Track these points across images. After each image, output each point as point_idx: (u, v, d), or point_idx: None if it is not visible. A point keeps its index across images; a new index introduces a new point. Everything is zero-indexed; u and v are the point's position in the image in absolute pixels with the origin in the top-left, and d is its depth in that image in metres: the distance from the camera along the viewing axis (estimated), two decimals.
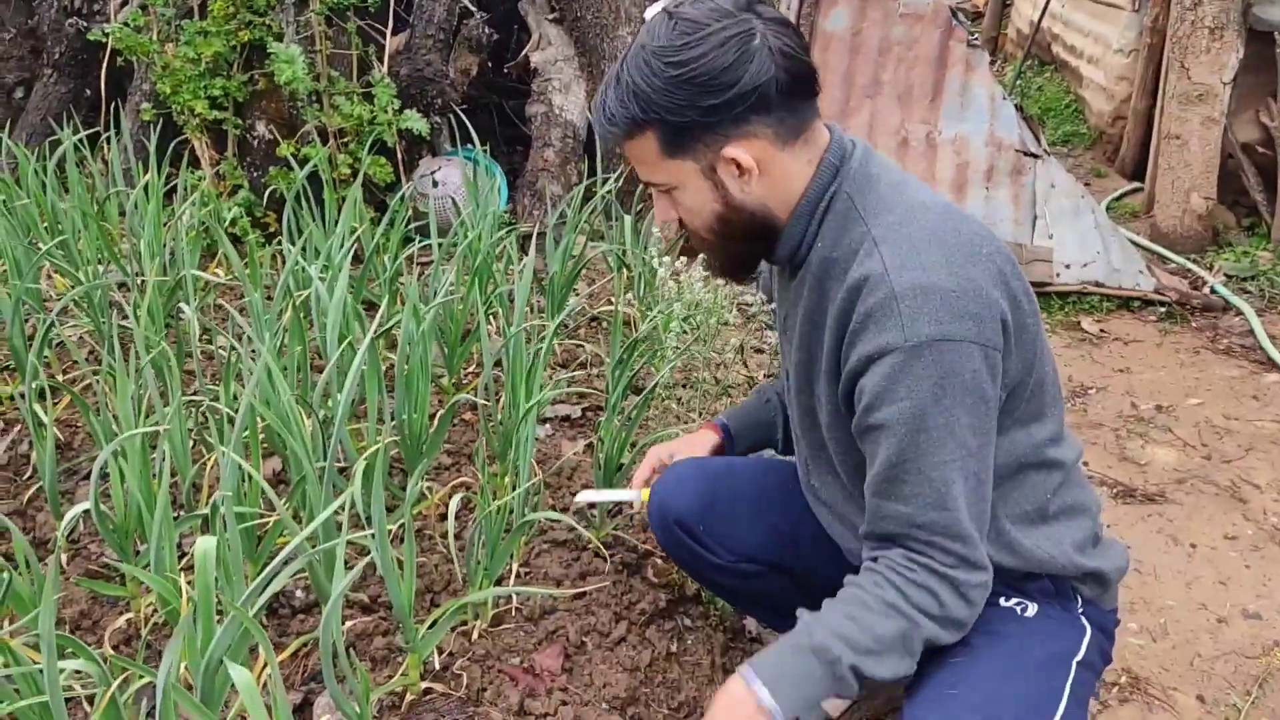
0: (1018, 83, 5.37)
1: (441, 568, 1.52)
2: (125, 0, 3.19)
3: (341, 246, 2.03)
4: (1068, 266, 3.17)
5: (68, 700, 1.15)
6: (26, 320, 1.94)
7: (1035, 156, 3.22)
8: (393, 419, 1.64)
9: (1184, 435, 2.47)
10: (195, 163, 2.84)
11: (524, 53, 3.42)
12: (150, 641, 1.35)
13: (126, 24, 2.81)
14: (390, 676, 1.31)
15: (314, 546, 1.27)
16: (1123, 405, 2.63)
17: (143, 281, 2.00)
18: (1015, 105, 3.29)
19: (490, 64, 3.54)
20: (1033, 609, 1.11)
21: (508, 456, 1.66)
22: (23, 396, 1.59)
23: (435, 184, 2.95)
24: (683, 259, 2.34)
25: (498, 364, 1.77)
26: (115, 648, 1.36)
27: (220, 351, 1.95)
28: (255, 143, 2.84)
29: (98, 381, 1.57)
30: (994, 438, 1.00)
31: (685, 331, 2.10)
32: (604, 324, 2.46)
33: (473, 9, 3.22)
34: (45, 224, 2.40)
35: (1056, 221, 3.18)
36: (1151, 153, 3.84)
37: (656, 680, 1.41)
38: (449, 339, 2.03)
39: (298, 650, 1.36)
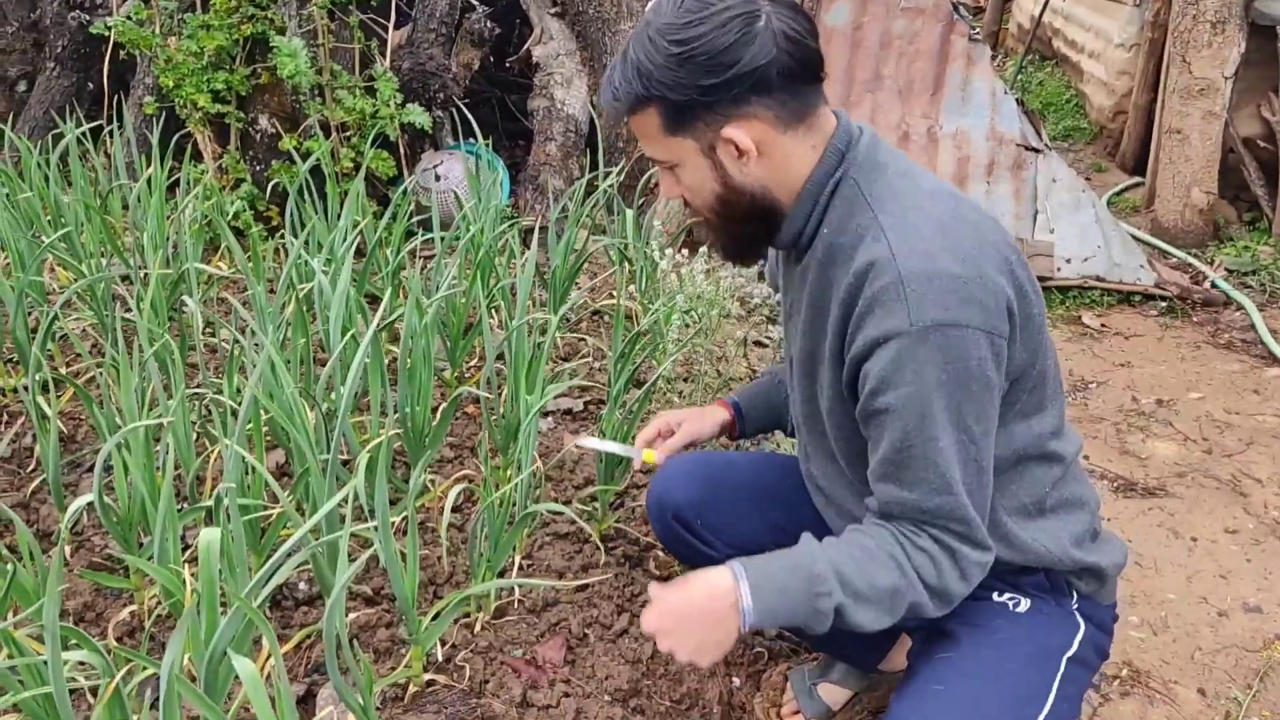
0: (1019, 77, 5.36)
1: (444, 560, 1.53)
2: None
3: (344, 240, 2.03)
4: (1068, 261, 3.17)
5: (71, 692, 1.15)
6: (30, 313, 1.95)
7: (1036, 151, 3.22)
8: (395, 412, 1.64)
9: (1185, 429, 2.47)
10: (198, 156, 2.84)
11: (526, 47, 3.42)
12: (154, 633, 1.35)
13: (129, 17, 2.81)
14: (393, 668, 1.32)
15: (317, 539, 1.27)
16: (1123, 399, 2.63)
17: (146, 274, 2.00)
18: (1016, 100, 3.29)
19: (492, 58, 3.54)
20: (1025, 604, 1.11)
21: (510, 449, 1.66)
22: (26, 389, 1.59)
23: (437, 178, 2.95)
24: (684, 251, 2.34)
25: (500, 357, 1.77)
26: (119, 639, 1.37)
27: (223, 344, 1.95)
28: (258, 136, 2.84)
29: (101, 374, 1.57)
30: (995, 425, 1.00)
31: (686, 325, 2.10)
32: (606, 318, 2.46)
33: (475, 3, 3.22)
34: (48, 217, 2.40)
35: (1057, 216, 3.18)
36: (1152, 147, 3.84)
37: (658, 672, 1.41)
38: (451, 332, 2.03)
39: (301, 642, 1.36)
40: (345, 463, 1.64)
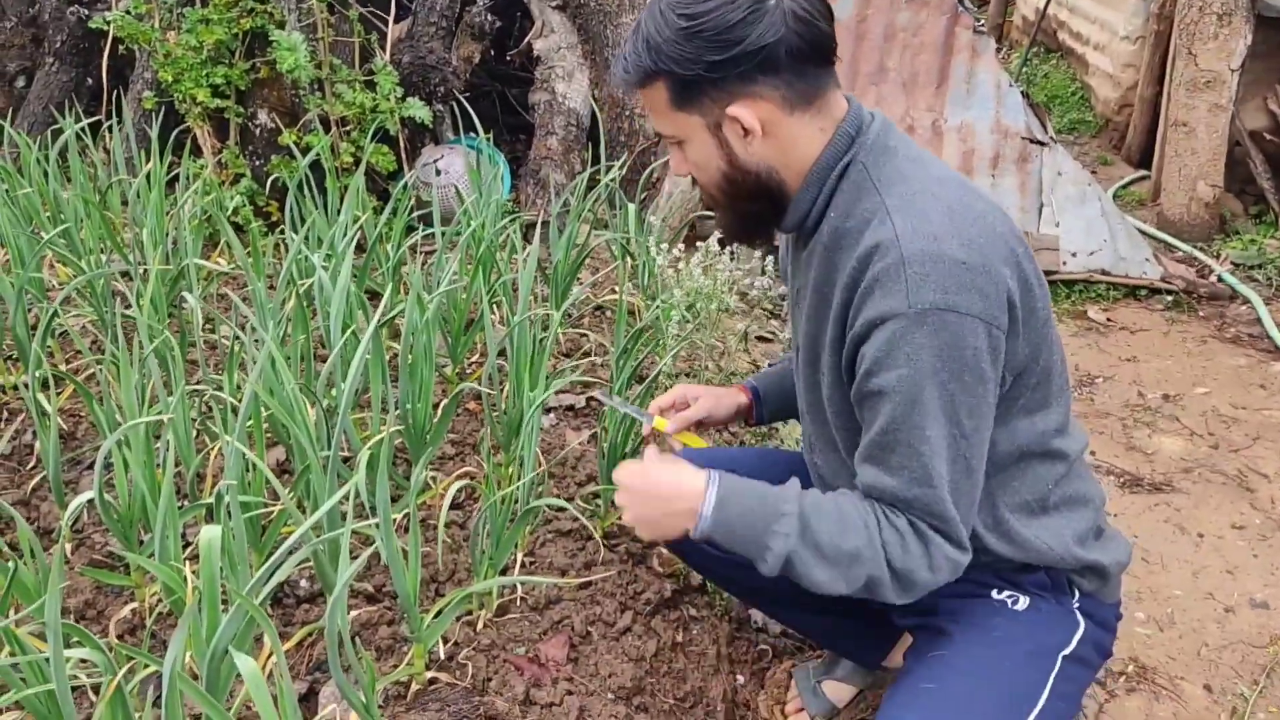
0: (1024, 70, 5.33)
1: (446, 557, 1.52)
2: None
3: (344, 235, 2.02)
4: (1074, 255, 3.15)
5: (73, 689, 1.15)
6: (30, 310, 1.94)
7: (1042, 144, 3.20)
8: (396, 408, 1.63)
9: (1191, 424, 2.45)
10: (197, 151, 2.83)
11: (527, 40, 3.40)
12: (155, 631, 1.35)
13: (128, 12, 2.80)
14: (395, 666, 1.31)
15: (319, 536, 1.26)
16: (1129, 394, 2.62)
17: (145, 270, 1.99)
18: (1021, 92, 3.27)
19: (493, 51, 3.53)
20: (1024, 602, 1.10)
21: (512, 446, 1.65)
22: (26, 386, 1.58)
23: (438, 172, 2.94)
24: (681, 246, 2.33)
25: (501, 353, 1.76)
26: (120, 637, 1.36)
27: (223, 341, 1.94)
28: (257, 131, 2.83)
29: (101, 371, 1.57)
30: (989, 424, 0.98)
31: (686, 320, 2.09)
32: (608, 313, 2.45)
33: None
34: (48, 213, 2.39)
35: (1063, 209, 3.16)
36: (1158, 140, 3.82)
37: (662, 670, 1.41)
38: (452, 328, 2.02)
39: (303, 640, 1.36)
40: (346, 460, 1.63)
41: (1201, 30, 3.45)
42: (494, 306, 2.19)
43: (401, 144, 2.86)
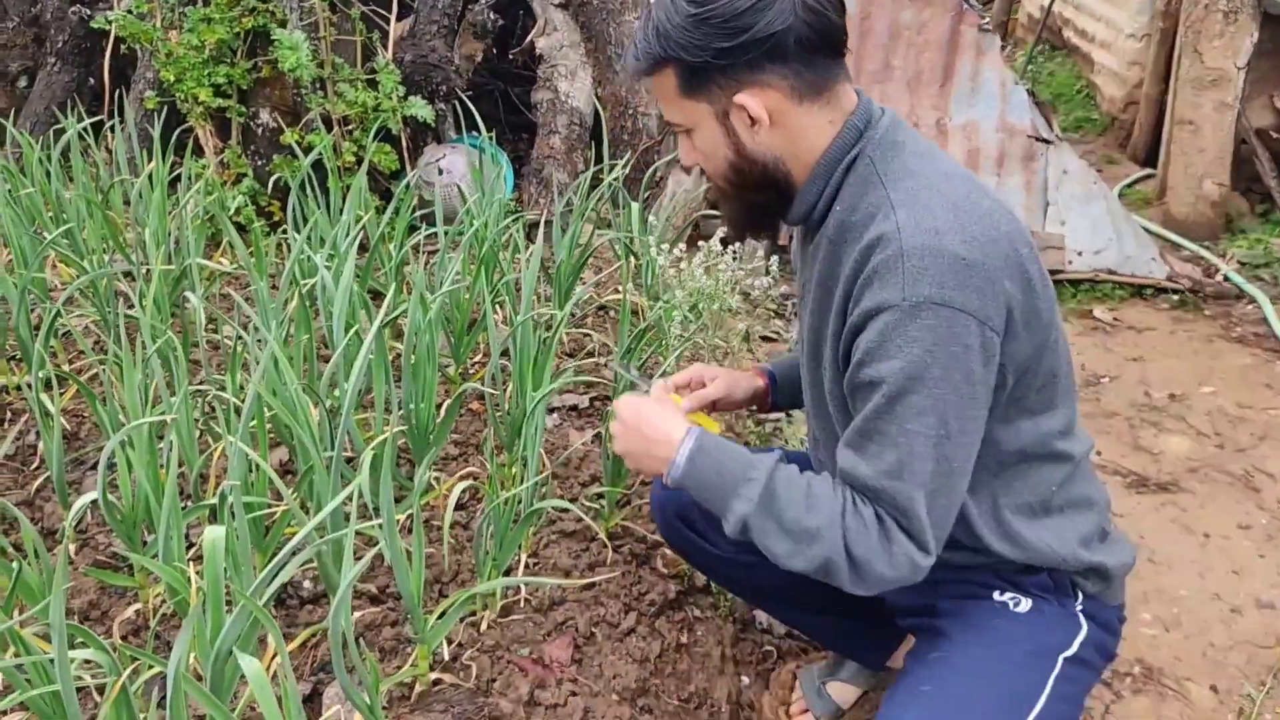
0: (1029, 68, 5.32)
1: (450, 558, 1.52)
2: None
3: (347, 235, 2.02)
4: (1080, 254, 3.14)
5: (78, 690, 1.14)
6: (32, 310, 1.94)
7: (1047, 142, 3.19)
8: (400, 408, 1.63)
9: (1197, 424, 2.44)
10: (199, 151, 2.82)
11: (529, 38, 3.39)
12: (159, 631, 1.34)
13: (130, 11, 2.79)
14: (399, 667, 1.31)
15: (322, 537, 1.26)
16: (1136, 394, 2.61)
17: (148, 270, 1.99)
18: (1027, 90, 3.26)
19: (495, 50, 3.52)
20: (1026, 604, 1.10)
21: (515, 446, 1.64)
22: (29, 386, 1.58)
23: (440, 172, 2.93)
24: (683, 246, 2.32)
25: (505, 353, 1.76)
26: (124, 637, 1.36)
27: (226, 341, 1.94)
28: (259, 130, 2.83)
29: (104, 371, 1.56)
30: (977, 428, 0.96)
31: (689, 320, 2.08)
32: (611, 313, 2.45)
33: None
34: (50, 213, 2.39)
35: (1068, 208, 3.15)
36: (1164, 139, 3.80)
37: (666, 671, 1.40)
38: (455, 328, 2.02)
39: (306, 641, 1.36)
40: (349, 460, 1.63)
41: (1207, 28, 3.43)
42: (497, 306, 2.18)
43: (404, 143, 2.85)
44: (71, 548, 1.51)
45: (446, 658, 1.33)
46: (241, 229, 2.59)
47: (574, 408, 2.04)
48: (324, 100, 2.70)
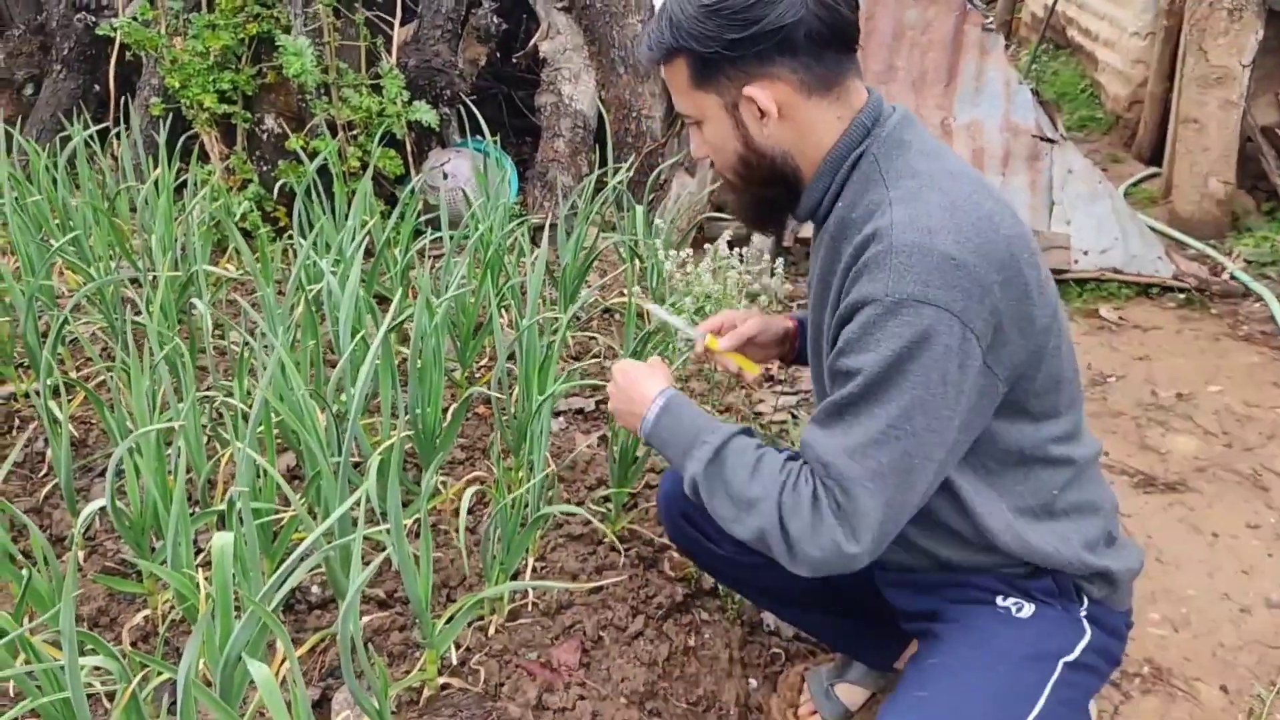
0: (1033, 67, 5.31)
1: (457, 562, 1.52)
2: None
3: (353, 240, 2.02)
4: (1085, 253, 3.13)
5: (88, 697, 1.15)
6: (40, 317, 1.95)
7: (1052, 142, 3.18)
8: (406, 413, 1.63)
9: (1204, 423, 2.43)
10: (205, 157, 2.83)
11: (532, 42, 3.40)
12: (168, 638, 1.35)
13: (134, 18, 2.80)
14: (407, 672, 1.31)
15: (330, 542, 1.26)
16: (1142, 393, 2.60)
17: (154, 277, 1.99)
18: (1031, 90, 3.25)
19: (499, 54, 3.52)
20: (1029, 609, 1.09)
21: (522, 450, 1.65)
22: (37, 394, 1.59)
23: (445, 176, 2.94)
24: (687, 249, 2.32)
25: (510, 357, 1.76)
26: (133, 644, 1.36)
27: (233, 347, 1.95)
28: (264, 136, 2.84)
29: (111, 378, 1.57)
30: (946, 430, 0.95)
31: (695, 323, 2.08)
32: (617, 316, 2.45)
33: None
34: (57, 220, 2.40)
35: (1074, 207, 3.14)
36: (1169, 137, 3.79)
37: (674, 674, 1.40)
38: (461, 332, 2.02)
39: (315, 646, 1.36)
40: (356, 465, 1.63)
41: (1212, 25, 3.42)
42: (502, 310, 2.18)
43: (408, 148, 2.86)
44: (80, 555, 1.52)
45: (455, 662, 1.33)
46: (247, 235, 2.60)
47: (580, 411, 2.04)
48: (329, 105, 2.71)
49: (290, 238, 2.47)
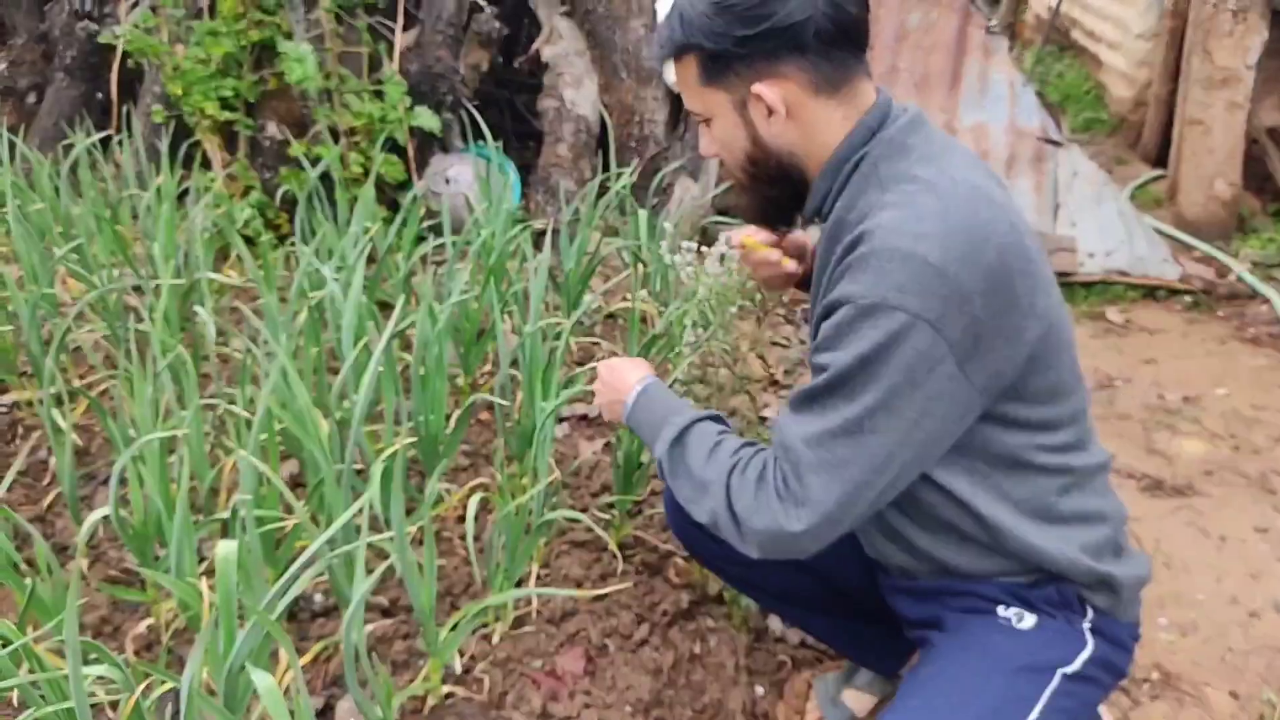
0: (1037, 69, 5.30)
1: (461, 570, 1.51)
2: (135, 2, 3.19)
3: (355, 246, 2.02)
4: (1091, 255, 3.12)
5: (91, 706, 1.14)
6: (43, 325, 1.95)
7: (1056, 144, 3.17)
8: (409, 420, 1.62)
9: (1212, 426, 2.42)
10: (207, 164, 2.83)
11: (534, 46, 3.40)
12: (171, 646, 1.34)
13: (137, 26, 2.81)
14: (411, 680, 1.30)
15: (333, 550, 1.26)
16: (1149, 396, 2.59)
17: (157, 285, 1.99)
18: (1035, 92, 3.25)
19: (501, 59, 3.52)
20: (1030, 620, 1.07)
21: (526, 457, 1.64)
22: (40, 402, 1.59)
23: (447, 181, 2.93)
24: (694, 242, 2.31)
25: (514, 363, 1.75)
26: (136, 653, 1.36)
27: (236, 354, 1.94)
28: (267, 143, 2.84)
29: (114, 386, 1.57)
30: (912, 434, 0.94)
31: (699, 326, 2.07)
32: (620, 321, 2.44)
33: (482, 3, 3.20)
34: (59, 228, 2.40)
35: (1079, 210, 3.13)
36: (1174, 139, 3.78)
37: (680, 682, 1.39)
38: (464, 338, 2.01)
39: (318, 655, 1.35)
40: (360, 472, 1.63)
41: (1217, 27, 3.41)
42: (506, 316, 2.18)
43: (410, 154, 2.86)
44: (84, 563, 1.52)
45: (459, 671, 1.33)
46: (250, 242, 2.60)
47: (584, 417, 2.04)
48: (330, 112, 2.71)
49: (293, 244, 2.47)
